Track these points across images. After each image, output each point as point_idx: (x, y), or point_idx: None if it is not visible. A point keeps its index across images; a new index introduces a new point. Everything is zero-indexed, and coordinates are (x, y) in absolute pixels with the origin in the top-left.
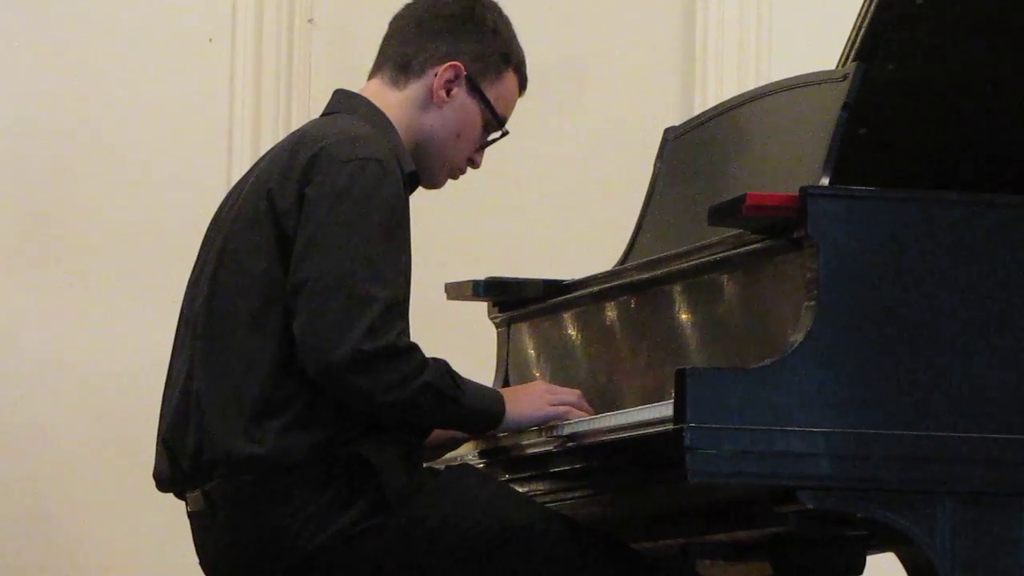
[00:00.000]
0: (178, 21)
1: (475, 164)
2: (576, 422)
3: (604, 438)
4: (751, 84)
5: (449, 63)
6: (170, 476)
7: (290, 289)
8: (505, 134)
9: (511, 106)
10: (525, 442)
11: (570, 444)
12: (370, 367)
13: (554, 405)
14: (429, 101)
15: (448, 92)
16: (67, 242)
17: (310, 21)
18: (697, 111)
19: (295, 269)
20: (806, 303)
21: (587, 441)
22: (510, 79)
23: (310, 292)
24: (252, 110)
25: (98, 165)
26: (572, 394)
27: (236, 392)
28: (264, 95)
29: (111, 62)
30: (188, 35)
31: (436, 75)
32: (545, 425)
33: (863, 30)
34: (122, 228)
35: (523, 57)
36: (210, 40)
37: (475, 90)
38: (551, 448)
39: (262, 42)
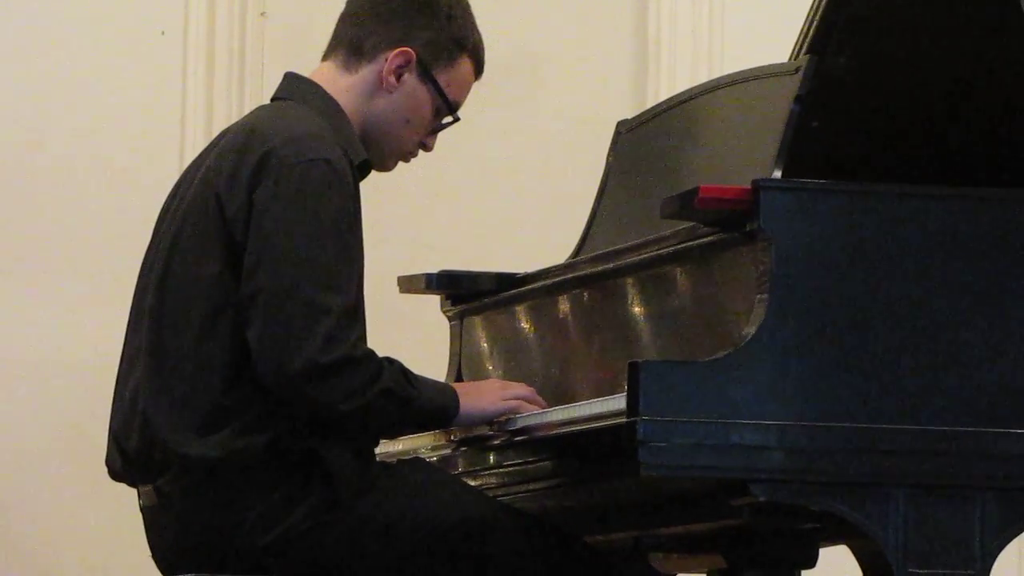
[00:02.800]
0: (130, 14)
1: (427, 148)
2: (529, 416)
3: (557, 431)
4: (704, 77)
5: (400, 48)
6: (122, 468)
7: (244, 298)
8: (456, 120)
9: (465, 91)
10: (478, 435)
11: (523, 438)
12: (327, 378)
13: (507, 400)
14: (379, 87)
15: (398, 78)
16: (18, 234)
17: (263, 14)
18: (650, 104)
19: (248, 278)
20: (759, 296)
21: (540, 434)
22: (464, 65)
23: (264, 302)
24: (205, 103)
25: (50, 158)
26: (525, 389)
27: (187, 396)
28: (217, 88)
29: (63, 55)
30: (140, 28)
31: (387, 60)
32: (498, 419)
33: (815, 22)
34: (74, 220)
35: (479, 42)
36: (162, 33)
37: (426, 76)
38: (504, 441)
39: (215, 35)
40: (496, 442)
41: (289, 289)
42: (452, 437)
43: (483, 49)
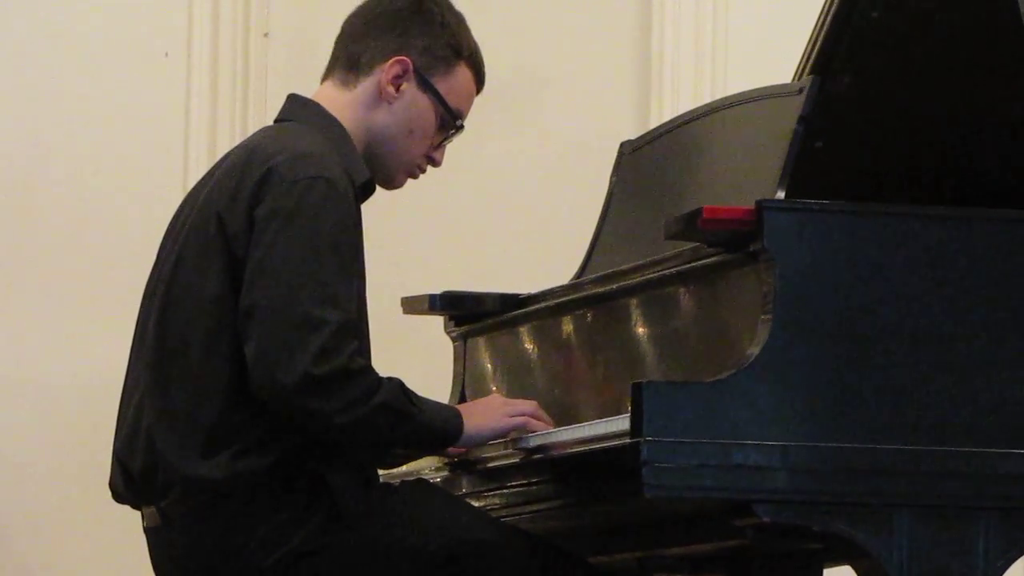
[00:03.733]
0: (134, 36)
1: (435, 162)
2: (532, 436)
3: (561, 452)
4: (707, 97)
5: (395, 58)
6: (125, 490)
7: (241, 312)
8: (460, 129)
9: (467, 101)
10: (482, 456)
11: (527, 458)
12: (321, 390)
13: (512, 417)
14: (379, 99)
15: (397, 88)
16: (22, 254)
17: (266, 35)
18: (653, 124)
19: (245, 294)
20: (762, 316)
21: (544, 455)
22: (462, 72)
23: (260, 317)
24: (208, 125)
25: (54, 179)
26: (529, 405)
27: (190, 416)
28: (220, 109)
29: (67, 77)
30: (144, 50)
31: (384, 71)
32: (502, 439)
33: (819, 43)
34: (78, 241)
35: (476, 49)
36: (166, 55)
37: (425, 84)
38: (508, 462)
39: (218, 56)
40: (501, 463)
41: (285, 303)
42: (456, 457)
43: (481, 58)
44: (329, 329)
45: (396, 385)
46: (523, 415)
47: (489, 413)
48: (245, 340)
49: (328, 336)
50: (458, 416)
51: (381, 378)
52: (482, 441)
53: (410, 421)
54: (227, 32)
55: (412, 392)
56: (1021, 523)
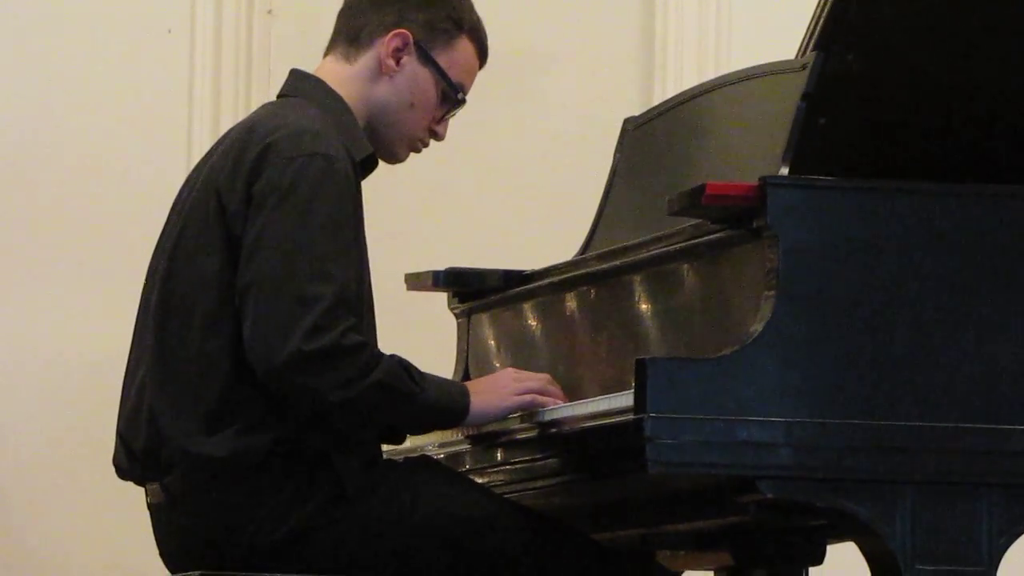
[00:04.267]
0: (136, 12)
1: (438, 136)
2: (536, 412)
3: (564, 428)
4: (711, 74)
5: (395, 31)
6: (128, 467)
7: (238, 291)
8: (462, 103)
9: (469, 74)
10: (486, 433)
11: (530, 434)
12: (314, 367)
13: (520, 395)
14: (380, 73)
15: (397, 61)
16: (24, 234)
17: (269, 12)
18: (657, 101)
19: (242, 271)
20: (766, 293)
21: (547, 432)
22: (464, 45)
23: (256, 294)
24: (211, 101)
25: (57, 156)
26: (540, 379)
27: (193, 393)
28: (223, 86)
29: (70, 53)
30: (147, 26)
31: (384, 45)
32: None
33: (822, 19)
34: (80, 220)
35: (478, 23)
36: (169, 31)
37: (426, 57)
38: (511, 439)
39: (221, 33)
40: (504, 439)
41: (279, 280)
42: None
43: (484, 33)
44: (322, 306)
45: (395, 363)
46: (532, 391)
47: (497, 390)
48: (243, 318)
49: (321, 313)
50: (464, 394)
51: (380, 356)
52: (489, 419)
53: (411, 400)
54: (230, 9)
55: (416, 370)
56: None
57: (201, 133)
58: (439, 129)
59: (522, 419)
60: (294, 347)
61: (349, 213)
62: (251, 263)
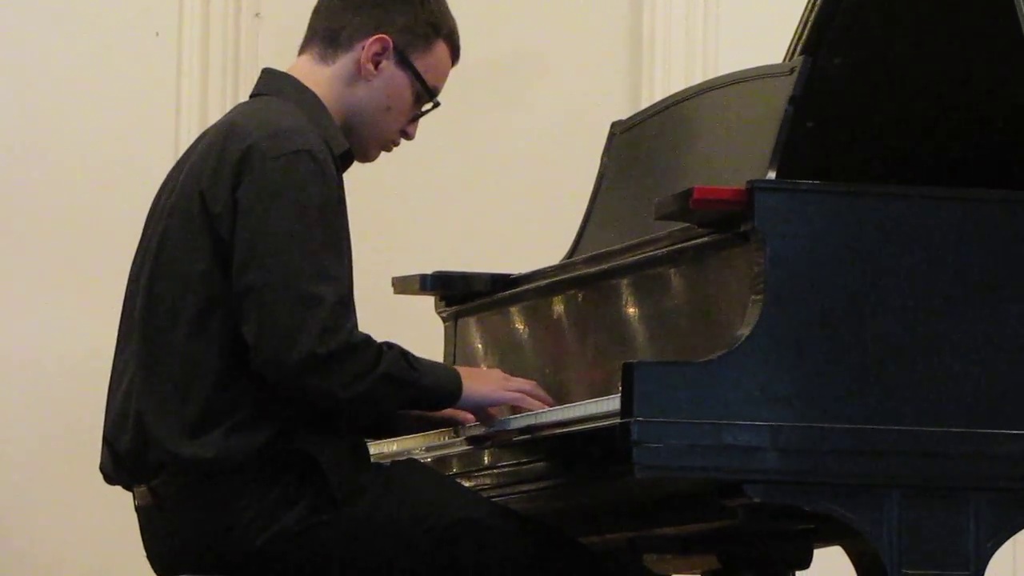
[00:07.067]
0: (124, 15)
1: (408, 136)
2: (523, 416)
3: (551, 432)
4: (699, 77)
5: (376, 36)
6: (115, 471)
7: (237, 294)
8: (437, 105)
9: (443, 76)
10: (475, 436)
11: (518, 438)
12: (328, 368)
13: (510, 391)
14: (357, 75)
15: (376, 65)
16: (11, 235)
17: (257, 15)
18: (644, 104)
19: (239, 273)
20: (753, 297)
21: (534, 435)
22: (440, 49)
23: (258, 296)
24: (199, 104)
25: (44, 159)
26: (528, 384)
27: (179, 394)
28: (211, 89)
29: (57, 56)
30: (134, 29)
31: (364, 48)
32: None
33: (810, 23)
34: (68, 221)
35: (454, 26)
36: (157, 34)
37: (404, 62)
38: (499, 442)
39: (209, 36)
40: (491, 442)
41: (281, 283)
42: (447, 437)
43: (458, 33)
44: (327, 306)
45: (397, 353)
46: (521, 392)
47: (489, 381)
48: (243, 321)
49: (328, 313)
50: (457, 378)
51: (381, 348)
52: (480, 405)
53: (412, 386)
54: (218, 12)
55: (411, 355)
56: (1012, 504)
57: (188, 135)
58: (410, 129)
59: (509, 422)
60: (307, 350)
61: (337, 208)
62: (249, 266)
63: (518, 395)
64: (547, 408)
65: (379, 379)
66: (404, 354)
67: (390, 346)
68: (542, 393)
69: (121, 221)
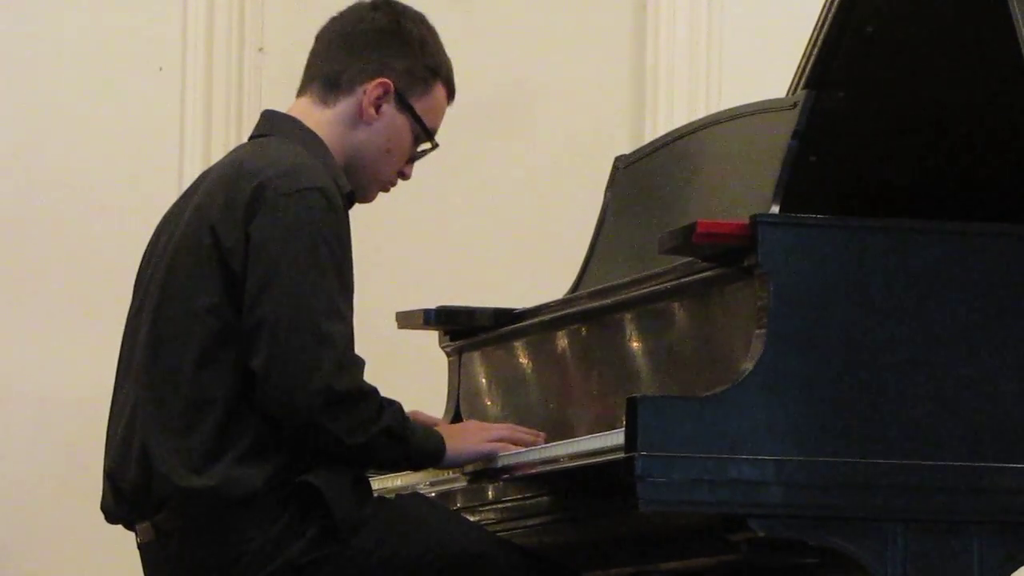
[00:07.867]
0: (128, 50)
1: (405, 176)
2: (528, 452)
3: (556, 467)
4: (702, 112)
5: (378, 80)
6: (116, 509)
7: (247, 326)
8: (435, 146)
9: (440, 117)
10: (483, 470)
11: (522, 473)
12: (340, 407)
13: (491, 442)
14: (359, 118)
15: (377, 109)
16: (17, 270)
17: (260, 50)
18: (648, 138)
19: (251, 308)
20: (757, 331)
21: (539, 470)
22: (439, 91)
23: (270, 332)
24: (203, 139)
25: (48, 193)
26: (505, 428)
27: (185, 428)
28: (215, 124)
29: (61, 91)
30: (138, 64)
31: (365, 92)
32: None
33: (813, 57)
34: (73, 256)
35: (451, 67)
36: (160, 69)
37: (404, 105)
38: (503, 478)
39: (212, 71)
40: (497, 477)
41: (294, 319)
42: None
43: (453, 72)
44: (340, 344)
45: (398, 409)
46: (502, 439)
47: (469, 437)
48: (252, 355)
49: (340, 351)
50: (441, 439)
51: (383, 401)
52: (463, 462)
53: (405, 444)
54: (221, 46)
55: (403, 413)
56: (1016, 537)
57: (192, 170)
58: (407, 170)
59: (513, 458)
60: (323, 384)
61: (346, 247)
62: (261, 301)
63: (498, 444)
64: (533, 444)
65: (382, 431)
66: (403, 412)
67: (390, 402)
68: (521, 433)
69: (125, 255)
